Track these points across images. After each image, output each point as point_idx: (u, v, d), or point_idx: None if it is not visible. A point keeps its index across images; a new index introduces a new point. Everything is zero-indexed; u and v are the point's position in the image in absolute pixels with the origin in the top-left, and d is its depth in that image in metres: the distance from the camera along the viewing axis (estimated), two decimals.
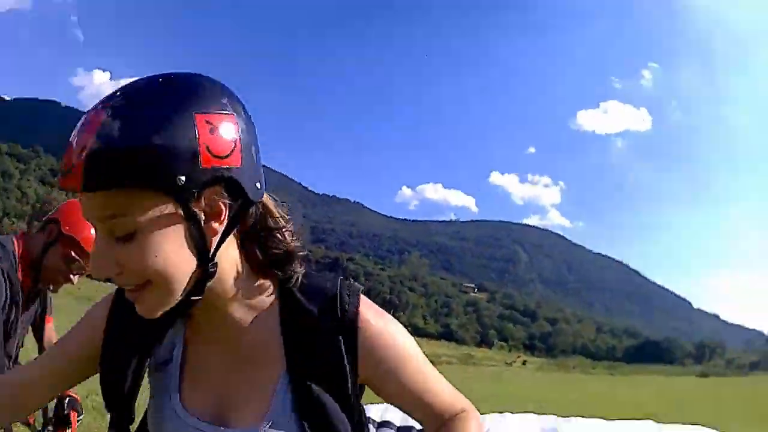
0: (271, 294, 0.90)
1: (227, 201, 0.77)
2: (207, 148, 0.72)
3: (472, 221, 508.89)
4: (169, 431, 0.90)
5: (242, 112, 0.79)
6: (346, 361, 0.88)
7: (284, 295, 0.90)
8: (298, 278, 0.90)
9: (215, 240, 0.78)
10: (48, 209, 2.13)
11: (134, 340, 0.90)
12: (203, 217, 0.76)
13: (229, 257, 0.83)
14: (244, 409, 0.88)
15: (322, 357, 0.88)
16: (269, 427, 0.86)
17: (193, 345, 0.91)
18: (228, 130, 0.75)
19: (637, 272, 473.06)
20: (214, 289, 0.82)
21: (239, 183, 0.76)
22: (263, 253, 0.87)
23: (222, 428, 0.87)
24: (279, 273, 0.89)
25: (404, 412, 0.97)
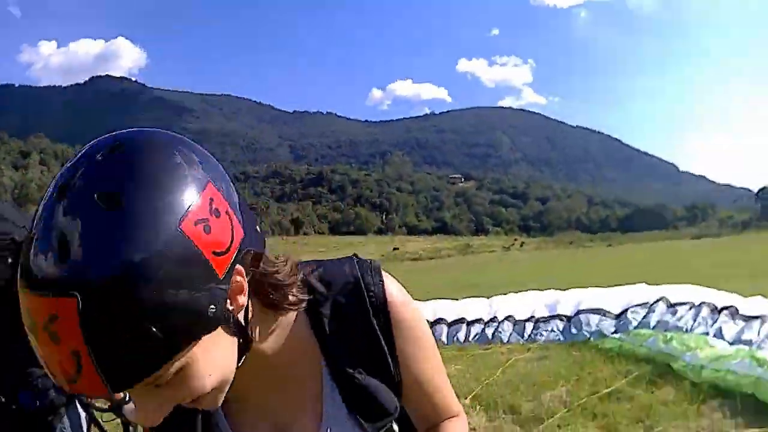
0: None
1: (244, 273, 0.67)
2: (213, 253, 0.60)
3: (447, 112, 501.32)
4: None
5: (200, 162, 0.63)
6: (383, 341, 0.85)
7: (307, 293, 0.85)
8: (314, 270, 0.86)
9: (243, 312, 0.70)
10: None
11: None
12: (230, 305, 0.66)
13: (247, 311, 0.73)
14: (298, 422, 0.85)
15: (359, 342, 0.85)
16: (328, 429, 0.83)
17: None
18: (217, 210, 0.61)
19: (619, 140, 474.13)
20: None
21: (249, 250, 0.67)
22: (268, 299, 0.77)
23: None
24: (293, 308, 0.81)
25: (405, 405, 0.90)
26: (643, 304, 6.92)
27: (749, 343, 5.47)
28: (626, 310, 6.96)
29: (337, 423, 0.83)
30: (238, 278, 0.65)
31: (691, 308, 6.45)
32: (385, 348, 0.85)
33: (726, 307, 6.18)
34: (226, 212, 0.62)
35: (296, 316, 0.83)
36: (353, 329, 0.84)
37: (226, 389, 0.71)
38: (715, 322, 6.08)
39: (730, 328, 5.89)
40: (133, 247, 0.54)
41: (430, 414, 0.92)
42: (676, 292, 7.02)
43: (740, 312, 6.03)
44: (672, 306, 6.66)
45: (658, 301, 6.83)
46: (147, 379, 0.57)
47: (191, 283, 0.57)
